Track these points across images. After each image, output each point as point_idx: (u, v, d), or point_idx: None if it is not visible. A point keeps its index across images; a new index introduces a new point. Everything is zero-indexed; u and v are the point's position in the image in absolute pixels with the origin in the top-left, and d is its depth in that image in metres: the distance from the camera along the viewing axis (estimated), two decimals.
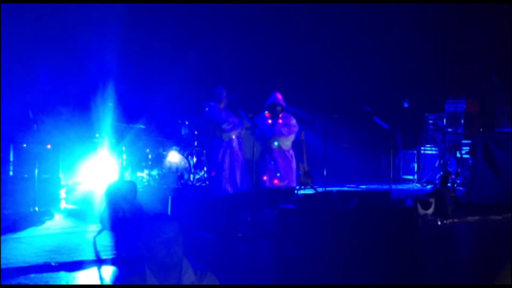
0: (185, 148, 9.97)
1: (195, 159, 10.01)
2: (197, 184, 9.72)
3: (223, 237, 6.00)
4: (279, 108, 8.76)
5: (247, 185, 8.40)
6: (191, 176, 9.85)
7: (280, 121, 8.75)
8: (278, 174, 8.55)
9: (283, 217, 5.46)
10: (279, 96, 8.81)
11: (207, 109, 8.51)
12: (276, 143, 8.64)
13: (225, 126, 8.35)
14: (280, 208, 5.72)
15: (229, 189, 8.17)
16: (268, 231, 6.18)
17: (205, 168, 9.91)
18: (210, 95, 8.57)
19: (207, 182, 9.39)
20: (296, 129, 8.84)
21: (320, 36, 12.65)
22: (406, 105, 12.72)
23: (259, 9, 12.03)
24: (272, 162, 8.59)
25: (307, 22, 12.64)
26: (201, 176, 10.04)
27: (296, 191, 8.57)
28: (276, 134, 8.63)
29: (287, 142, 8.77)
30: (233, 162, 8.35)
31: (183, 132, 10.22)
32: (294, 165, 8.81)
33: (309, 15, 12.54)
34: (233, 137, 8.45)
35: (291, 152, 8.81)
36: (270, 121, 8.73)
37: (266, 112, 8.86)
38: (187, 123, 10.21)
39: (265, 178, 8.59)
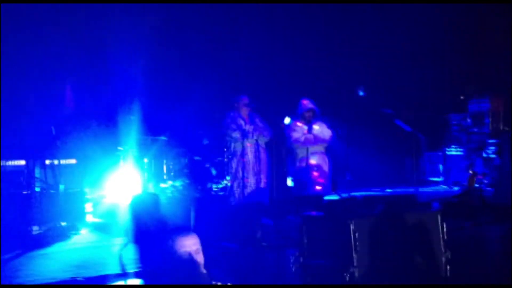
0: (206, 158, 10.01)
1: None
2: (220, 194, 9.73)
3: (247, 247, 5.97)
4: (314, 114, 8.61)
5: (270, 192, 8.33)
6: (213, 185, 9.87)
7: (317, 127, 8.59)
8: (321, 180, 8.44)
9: (307, 225, 5.41)
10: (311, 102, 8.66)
11: (227, 118, 8.46)
12: (317, 149, 8.51)
13: (235, 134, 8.28)
14: (303, 216, 5.68)
15: (244, 197, 8.10)
16: (293, 240, 6.14)
17: (227, 178, 9.92)
18: (230, 103, 8.54)
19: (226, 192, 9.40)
20: (331, 133, 8.67)
21: (338, 39, 12.58)
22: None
23: (280, 20, 12.07)
24: (316, 168, 8.45)
25: (327, 27, 12.59)
26: (223, 185, 10.05)
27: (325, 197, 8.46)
28: (319, 140, 8.49)
29: (325, 147, 8.65)
30: (249, 170, 8.25)
31: (204, 142, 10.26)
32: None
33: (327, 19, 12.49)
34: (248, 144, 8.30)
35: (327, 157, 8.66)
36: (306, 127, 8.57)
37: (293, 118, 8.71)
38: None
39: (307, 184, 8.42)
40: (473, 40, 12.08)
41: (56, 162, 8.04)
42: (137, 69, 10.36)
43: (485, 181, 10.07)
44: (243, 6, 11.53)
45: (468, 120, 11.69)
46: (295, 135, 8.40)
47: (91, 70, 10.43)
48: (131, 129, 9.26)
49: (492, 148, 10.40)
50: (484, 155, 10.58)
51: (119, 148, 9.20)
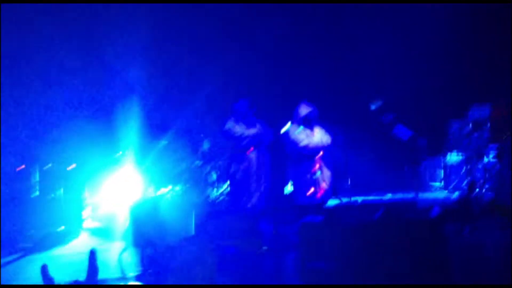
0: (207, 162, 9.99)
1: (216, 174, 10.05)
2: (220, 199, 9.72)
3: (247, 251, 5.96)
4: (314, 117, 8.47)
5: (270, 198, 8.29)
6: (214, 190, 9.86)
7: (318, 130, 8.47)
8: (324, 185, 8.37)
9: (306, 230, 5.41)
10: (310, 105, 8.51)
11: (227, 125, 8.41)
12: (319, 153, 8.41)
13: (235, 140, 8.24)
14: (303, 222, 5.68)
15: (244, 203, 8.05)
16: (293, 244, 6.12)
17: (228, 182, 9.90)
18: (232, 109, 8.51)
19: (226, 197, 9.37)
20: (330, 138, 8.58)
21: (339, 42, 12.55)
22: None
23: (281, 23, 12.05)
24: (319, 173, 8.36)
25: (327, 29, 12.57)
26: (223, 190, 10.03)
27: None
28: (323, 144, 8.39)
29: (325, 152, 8.53)
30: (248, 175, 8.20)
31: (204, 147, 10.24)
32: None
33: (328, 21, 12.49)
34: (250, 150, 8.25)
35: (329, 162, 8.59)
36: (308, 131, 8.39)
37: (293, 123, 8.61)
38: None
39: (312, 189, 8.31)
40: (475, 45, 12.06)
41: (55, 166, 8.04)
42: (137, 72, 10.33)
43: (486, 186, 10.06)
44: (246, 7, 11.51)
45: (469, 125, 11.67)
46: (301, 139, 8.25)
47: (90, 72, 10.38)
48: (131, 132, 9.25)
49: (493, 153, 10.38)
50: (485, 160, 10.56)
51: (118, 152, 9.19)
